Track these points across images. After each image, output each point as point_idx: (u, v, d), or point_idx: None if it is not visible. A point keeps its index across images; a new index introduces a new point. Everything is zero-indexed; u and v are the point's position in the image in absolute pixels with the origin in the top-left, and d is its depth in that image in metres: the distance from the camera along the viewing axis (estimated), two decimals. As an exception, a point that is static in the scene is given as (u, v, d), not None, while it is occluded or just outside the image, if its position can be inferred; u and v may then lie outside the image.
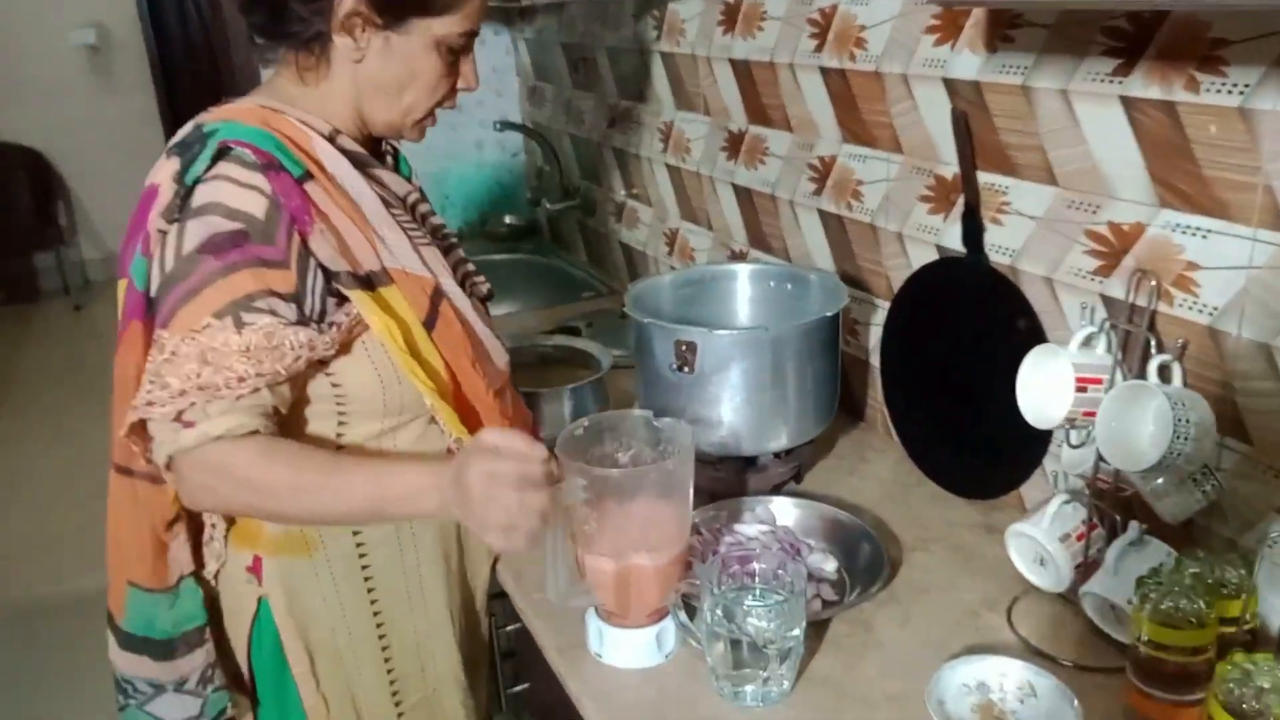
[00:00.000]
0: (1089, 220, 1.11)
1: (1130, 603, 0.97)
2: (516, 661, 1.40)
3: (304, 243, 1.00)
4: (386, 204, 1.09)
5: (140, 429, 0.99)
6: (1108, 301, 1.11)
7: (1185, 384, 0.99)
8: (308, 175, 1.02)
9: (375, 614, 1.16)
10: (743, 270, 1.42)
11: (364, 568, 1.14)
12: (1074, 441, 1.07)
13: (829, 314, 1.22)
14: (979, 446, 1.31)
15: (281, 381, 0.98)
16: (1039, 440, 1.21)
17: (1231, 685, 0.80)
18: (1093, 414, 1.02)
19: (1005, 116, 1.19)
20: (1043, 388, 1.06)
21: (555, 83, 2.48)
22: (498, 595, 1.39)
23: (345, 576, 1.13)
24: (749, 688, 0.97)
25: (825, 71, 1.48)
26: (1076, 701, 0.92)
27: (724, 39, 1.72)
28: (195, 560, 1.12)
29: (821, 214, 1.57)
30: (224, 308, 0.95)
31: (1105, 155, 1.08)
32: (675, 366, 1.21)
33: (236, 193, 0.99)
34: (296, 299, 0.99)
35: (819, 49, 1.48)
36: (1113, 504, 1.05)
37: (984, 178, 1.24)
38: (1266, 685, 0.79)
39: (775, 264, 1.46)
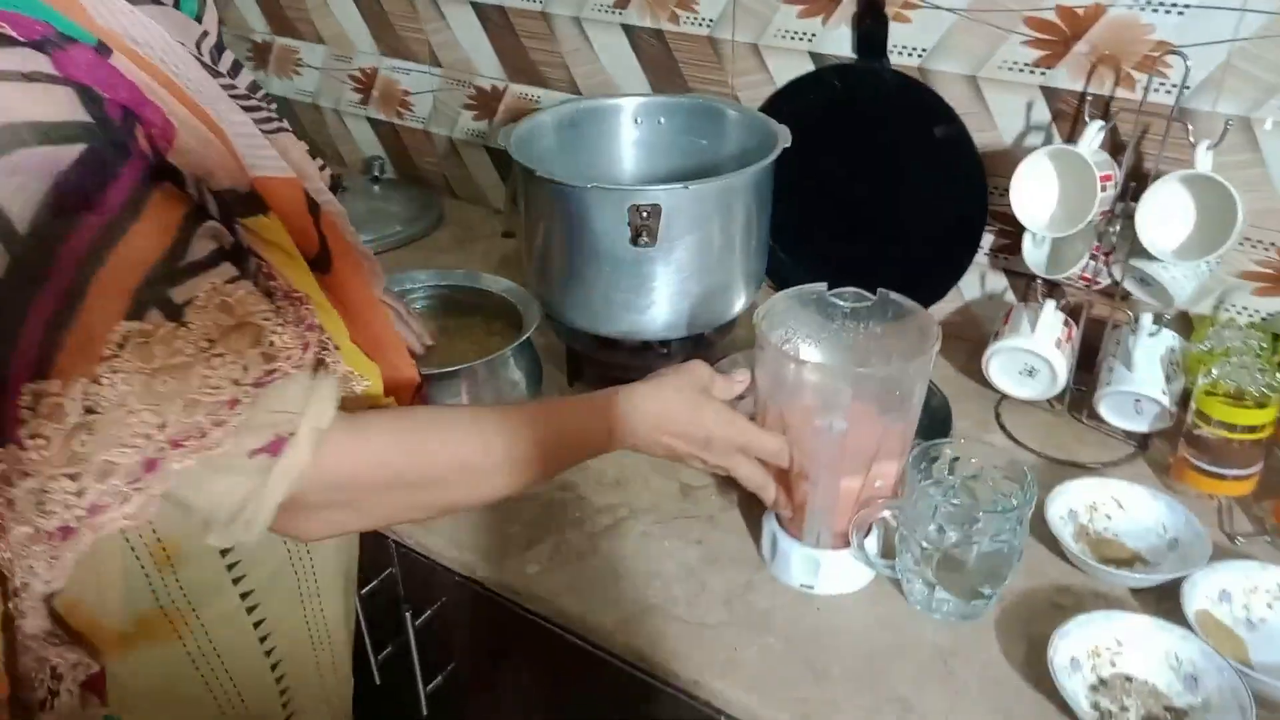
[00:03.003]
0: (1030, 6, 1.04)
1: (1164, 393, 0.99)
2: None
3: (160, 155, 0.57)
4: (207, 68, 0.66)
5: None
6: (1048, 94, 1.07)
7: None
8: (103, 46, 0.57)
9: (274, 667, 0.80)
10: (628, 105, 1.14)
11: (257, 624, 0.76)
12: (1107, 243, 1.01)
13: (773, 156, 1.02)
14: (886, 268, 1.23)
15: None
16: (963, 251, 1.17)
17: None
18: (1108, 212, 0.98)
19: (922, -107, 1.05)
20: (1058, 192, 1.00)
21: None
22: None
23: (231, 642, 0.75)
24: (978, 601, 0.83)
25: None
26: (1177, 501, 0.92)
27: None
28: None
29: (628, 30, 1.32)
30: (138, 292, 0.54)
31: (1057, -68, 1.00)
32: (632, 238, 0.94)
33: (23, 94, 0.52)
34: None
35: None
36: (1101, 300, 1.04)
37: (886, -32, 1.10)
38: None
39: (670, 98, 1.17)
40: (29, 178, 0.52)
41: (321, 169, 0.81)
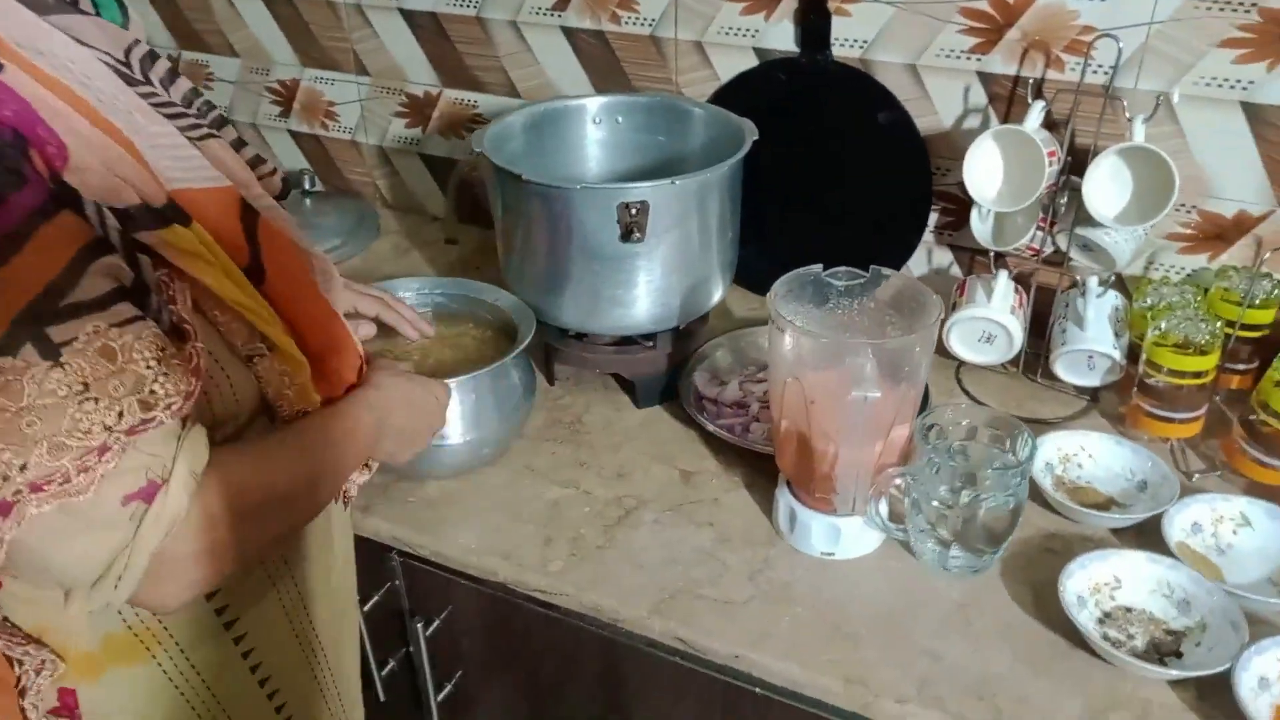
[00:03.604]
0: (965, -3, 1.11)
1: (1115, 348, 1.07)
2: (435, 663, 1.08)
3: (56, 177, 0.54)
4: (125, 78, 0.64)
5: None
6: (984, 78, 1.14)
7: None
8: None
9: (263, 684, 0.77)
10: (591, 105, 1.15)
11: (238, 640, 0.74)
12: (1040, 220, 1.09)
13: (746, 148, 1.05)
14: (837, 252, 1.28)
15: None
16: (911, 230, 1.24)
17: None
18: (1054, 185, 1.06)
19: (859, -108, 1.10)
20: (1002, 170, 1.07)
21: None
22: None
23: (212, 662, 0.73)
24: (987, 555, 0.88)
25: None
26: (1138, 446, 1.00)
27: None
28: None
29: (568, 32, 1.33)
30: (12, 327, 0.51)
31: (988, -74, 1.07)
32: (622, 235, 0.96)
33: None
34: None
35: None
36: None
37: (827, -35, 1.15)
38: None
39: (631, 96, 1.19)
40: None
41: (271, 173, 0.77)
